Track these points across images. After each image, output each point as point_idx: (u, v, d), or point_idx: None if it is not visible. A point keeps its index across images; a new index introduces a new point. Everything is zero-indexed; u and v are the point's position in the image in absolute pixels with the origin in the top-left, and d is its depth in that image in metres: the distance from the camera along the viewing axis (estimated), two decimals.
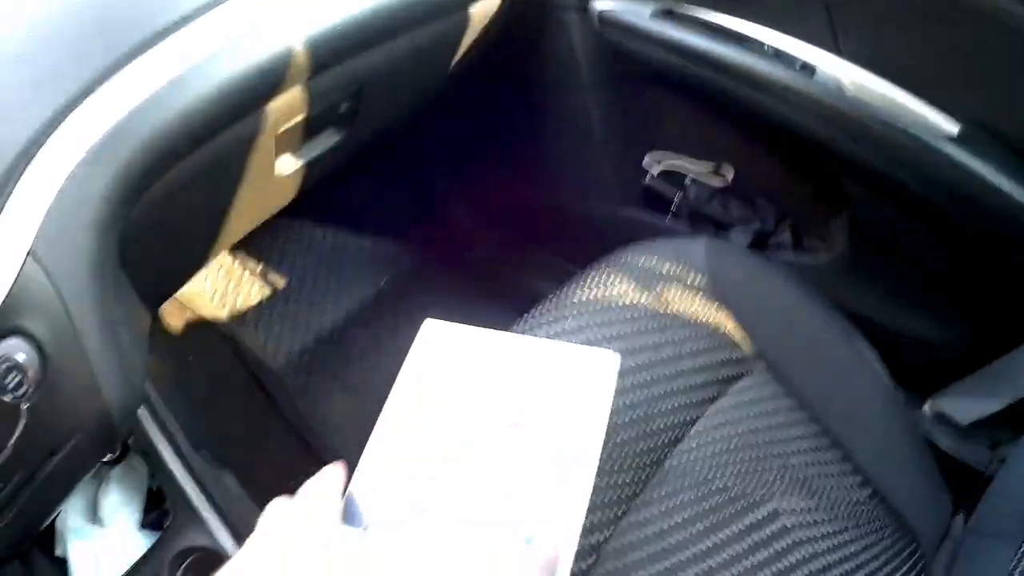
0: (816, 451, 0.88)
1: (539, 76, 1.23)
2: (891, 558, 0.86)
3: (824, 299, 0.99)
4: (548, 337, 0.82)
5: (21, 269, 0.60)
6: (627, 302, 0.87)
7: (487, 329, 0.70)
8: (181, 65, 0.71)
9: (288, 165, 0.95)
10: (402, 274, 1.52)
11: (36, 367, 0.62)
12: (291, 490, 0.63)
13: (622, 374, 0.74)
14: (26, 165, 0.62)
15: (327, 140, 0.98)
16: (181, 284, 1.05)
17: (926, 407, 1.04)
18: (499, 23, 1.07)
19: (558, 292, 0.88)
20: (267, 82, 0.78)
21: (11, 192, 0.61)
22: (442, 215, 1.59)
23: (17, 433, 0.63)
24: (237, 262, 1.45)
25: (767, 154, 1.22)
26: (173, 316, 1.34)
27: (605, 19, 1.11)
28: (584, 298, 0.86)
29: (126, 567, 0.86)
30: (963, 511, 0.94)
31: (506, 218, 1.58)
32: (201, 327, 1.36)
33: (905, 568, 0.87)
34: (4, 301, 0.60)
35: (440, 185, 1.56)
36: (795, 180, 1.23)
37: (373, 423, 0.66)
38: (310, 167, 0.97)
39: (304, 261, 1.48)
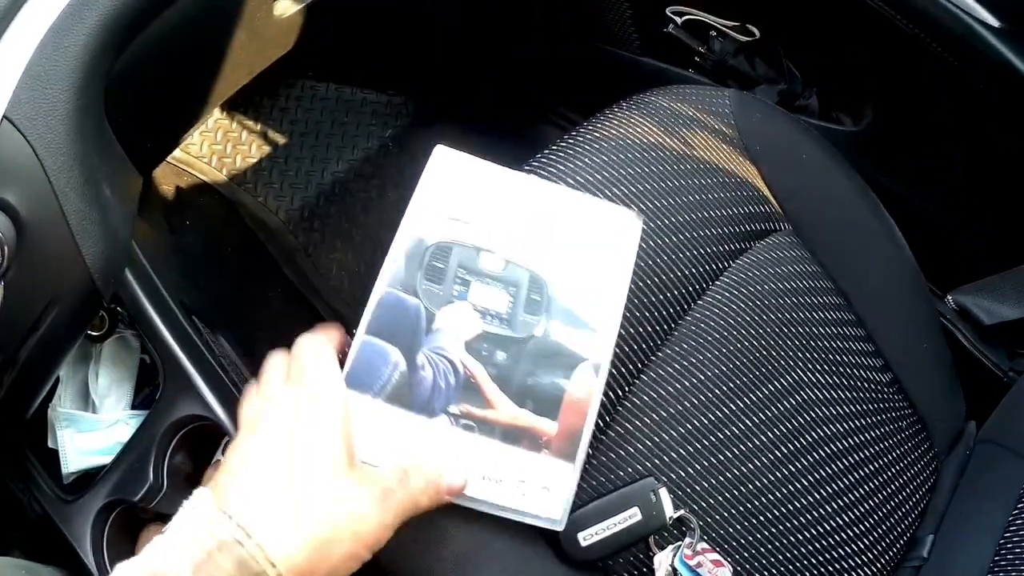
0: (840, 325, 0.85)
1: None
2: (906, 452, 0.84)
3: (852, 169, 0.94)
4: (563, 174, 0.76)
5: None
6: (650, 143, 0.81)
7: (502, 167, 0.69)
8: None
9: (288, 7, 0.90)
10: (407, 125, 1.47)
11: (12, 239, 0.59)
12: (288, 345, 0.61)
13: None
14: (3, 30, 0.58)
15: None
16: (175, 143, 1.00)
17: (949, 299, 1.00)
18: None
19: (577, 128, 0.82)
20: None
21: None
22: (450, 65, 1.52)
23: None
24: (235, 123, 1.41)
25: (798, 17, 1.16)
26: (169, 180, 1.31)
27: None
28: (604, 135, 0.81)
29: (119, 449, 0.85)
30: (975, 417, 0.93)
31: (519, 66, 1.51)
32: (199, 190, 1.33)
33: (919, 467, 0.85)
34: None
35: (448, 33, 1.49)
36: (826, 47, 1.18)
37: (376, 277, 0.64)
38: (310, 12, 0.92)
39: (305, 117, 1.43)
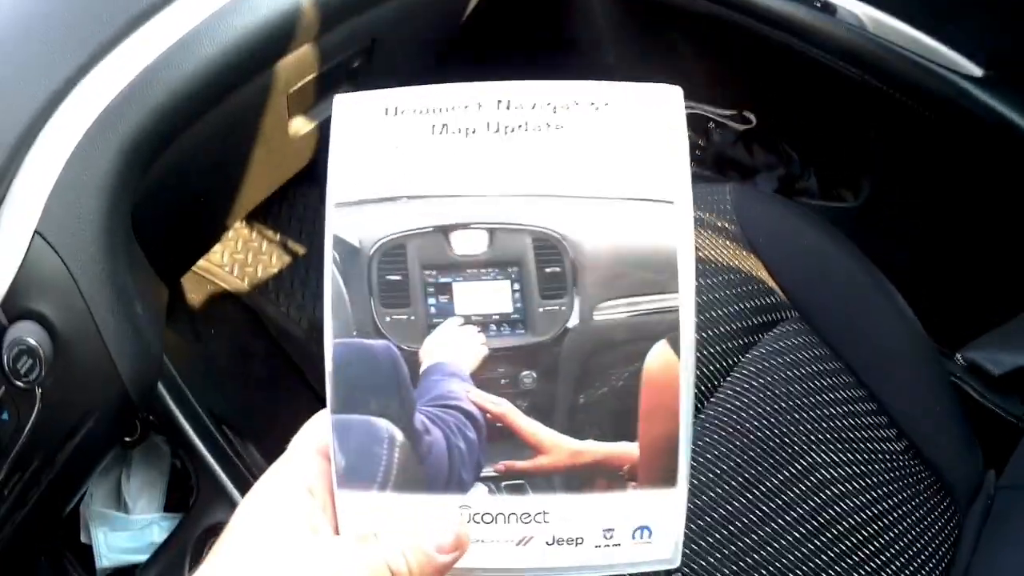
0: (851, 402, 0.86)
1: (554, 23, 1.20)
2: (926, 513, 0.85)
3: (854, 246, 0.96)
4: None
5: (28, 250, 0.60)
6: None
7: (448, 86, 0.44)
8: (186, 27, 0.69)
9: (302, 126, 0.93)
10: None
11: (48, 349, 0.61)
12: None
13: None
14: (29, 145, 0.61)
15: None
16: (198, 255, 1.03)
17: (958, 357, 1.01)
18: None
19: None
20: (275, 40, 0.76)
21: (15, 174, 0.60)
22: None
23: (33, 417, 0.62)
24: (255, 232, 1.44)
25: (790, 99, 1.19)
26: (193, 290, 1.33)
27: None
28: None
29: (152, 550, 0.86)
30: (994, 466, 0.93)
31: None
32: (222, 299, 1.35)
33: (940, 523, 0.85)
34: (11, 285, 0.59)
35: None
36: (819, 125, 1.21)
37: None
38: (325, 127, 0.95)
39: (323, 226, 1.45)
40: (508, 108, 0.43)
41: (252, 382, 1.25)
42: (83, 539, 0.89)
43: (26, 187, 0.60)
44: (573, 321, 0.43)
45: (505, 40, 1.20)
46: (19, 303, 0.60)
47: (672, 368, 0.42)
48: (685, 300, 0.42)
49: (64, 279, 0.62)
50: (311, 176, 1.04)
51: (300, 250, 1.42)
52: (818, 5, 0.98)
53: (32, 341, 0.60)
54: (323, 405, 0.44)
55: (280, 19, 0.75)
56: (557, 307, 0.43)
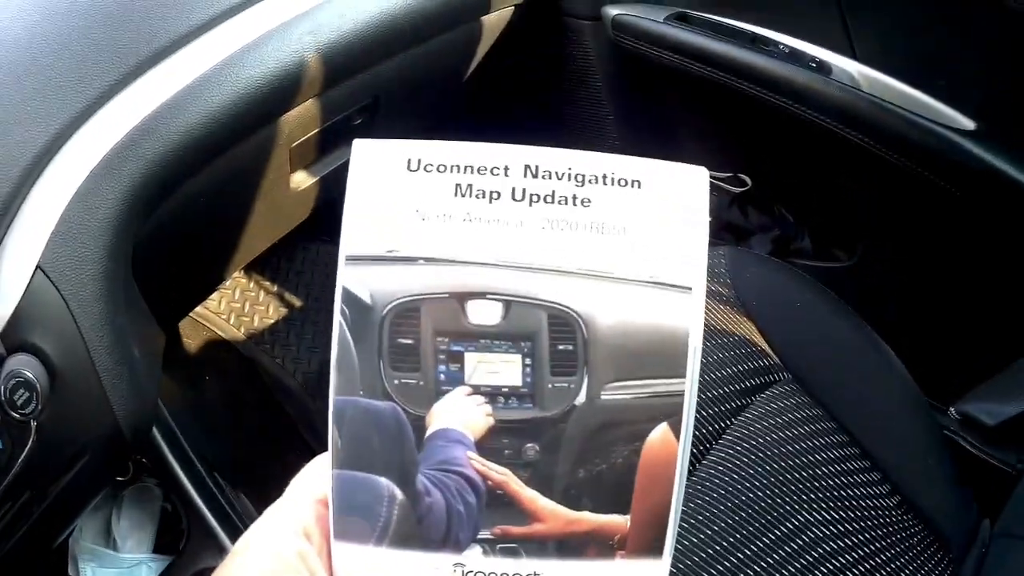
0: (844, 460, 0.86)
1: (554, 84, 1.22)
2: (920, 566, 0.85)
3: (847, 305, 0.97)
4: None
5: (30, 283, 0.60)
6: None
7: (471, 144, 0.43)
8: (192, 77, 0.71)
9: (303, 180, 0.94)
10: None
11: (45, 383, 0.61)
12: None
13: None
14: (35, 179, 0.62)
15: (342, 155, 0.97)
16: (196, 302, 1.04)
17: (952, 411, 1.02)
18: (512, 33, 1.06)
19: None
20: (280, 95, 0.77)
21: (20, 206, 0.61)
22: None
23: (27, 449, 0.62)
24: (253, 282, 1.45)
25: (784, 161, 1.21)
26: (189, 336, 1.34)
27: (619, 25, 1.10)
28: None
29: None
30: (989, 515, 0.93)
31: None
32: (218, 347, 1.36)
33: (935, 575, 0.85)
34: (12, 316, 0.59)
35: None
36: (813, 186, 1.22)
37: None
38: (325, 182, 0.96)
39: (321, 280, 1.47)
40: (535, 176, 0.42)
41: (244, 431, 1.24)
42: (70, 573, 0.89)
43: (31, 220, 0.61)
44: (580, 399, 0.43)
45: (506, 96, 1.22)
46: (18, 335, 0.60)
47: (671, 449, 0.43)
48: (689, 385, 0.42)
49: (63, 315, 0.62)
50: (310, 230, 1.05)
51: (297, 303, 1.43)
52: (813, 65, 1.00)
53: (29, 374, 0.60)
54: (315, 456, 0.45)
55: (286, 72, 0.76)
56: (566, 384, 0.43)
